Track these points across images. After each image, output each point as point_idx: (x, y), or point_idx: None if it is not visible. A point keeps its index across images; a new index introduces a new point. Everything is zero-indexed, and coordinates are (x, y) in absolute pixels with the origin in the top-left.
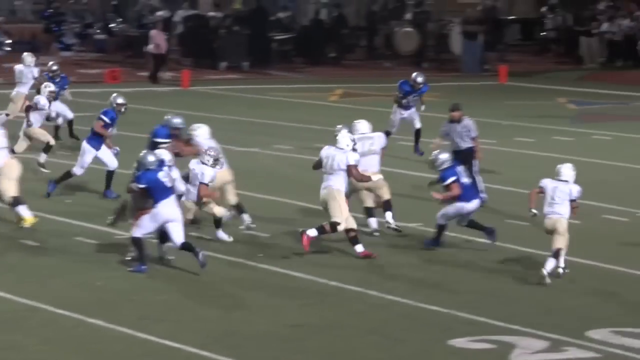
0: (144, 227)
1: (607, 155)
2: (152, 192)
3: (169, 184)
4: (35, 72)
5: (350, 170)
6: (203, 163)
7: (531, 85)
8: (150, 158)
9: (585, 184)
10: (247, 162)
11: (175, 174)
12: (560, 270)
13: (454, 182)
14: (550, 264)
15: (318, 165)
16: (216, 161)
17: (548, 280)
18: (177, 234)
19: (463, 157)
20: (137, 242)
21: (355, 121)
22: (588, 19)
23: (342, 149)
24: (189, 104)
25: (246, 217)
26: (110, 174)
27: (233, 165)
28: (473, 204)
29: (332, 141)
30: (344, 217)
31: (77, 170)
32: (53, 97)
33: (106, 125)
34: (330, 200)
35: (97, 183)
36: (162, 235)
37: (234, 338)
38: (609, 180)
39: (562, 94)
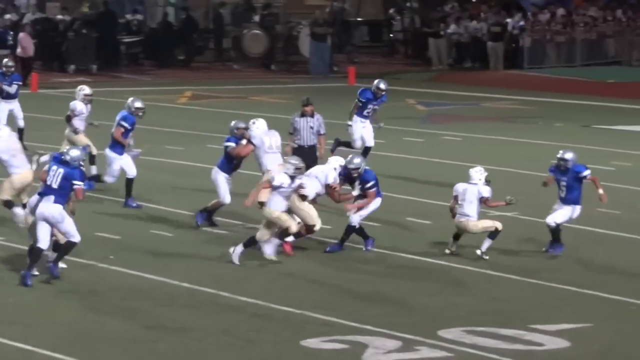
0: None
1: (457, 156)
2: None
3: (49, 182)
4: None
5: (328, 189)
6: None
7: None
8: (73, 152)
9: (436, 184)
10: (97, 165)
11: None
12: (486, 257)
13: (374, 186)
14: (485, 244)
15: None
16: (297, 170)
17: (486, 257)
18: (42, 235)
19: (307, 153)
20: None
21: (251, 120)
22: (436, 21)
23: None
24: (38, 107)
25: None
26: (129, 182)
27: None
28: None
29: (182, 142)
30: (315, 218)
31: (109, 179)
32: (89, 100)
33: (126, 132)
34: (295, 210)
35: None
36: (55, 245)
37: (86, 340)
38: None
39: (411, 95)
